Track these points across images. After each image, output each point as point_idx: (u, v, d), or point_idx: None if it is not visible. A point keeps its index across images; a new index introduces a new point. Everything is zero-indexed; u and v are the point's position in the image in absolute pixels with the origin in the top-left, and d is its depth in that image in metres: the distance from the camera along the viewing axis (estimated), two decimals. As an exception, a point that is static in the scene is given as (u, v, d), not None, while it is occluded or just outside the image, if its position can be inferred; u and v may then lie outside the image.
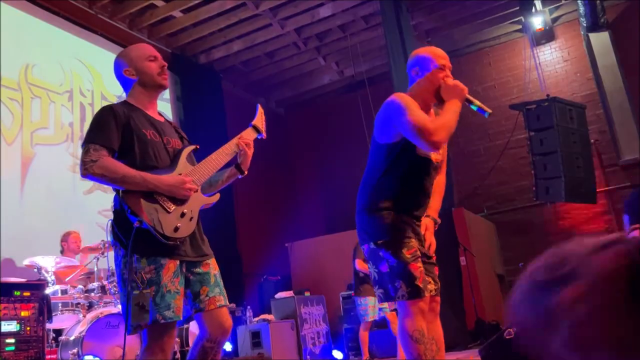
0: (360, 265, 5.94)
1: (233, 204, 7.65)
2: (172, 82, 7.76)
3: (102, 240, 4.70)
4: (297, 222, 8.94)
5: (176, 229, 1.99)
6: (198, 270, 2.11)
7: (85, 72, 6.60)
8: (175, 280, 2.00)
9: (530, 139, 6.17)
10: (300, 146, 10.26)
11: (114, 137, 2.01)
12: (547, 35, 8.42)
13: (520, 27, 8.55)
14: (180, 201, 2.04)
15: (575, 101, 6.82)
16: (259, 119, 2.50)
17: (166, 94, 7.71)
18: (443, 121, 2.35)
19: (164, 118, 2.30)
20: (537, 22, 8.26)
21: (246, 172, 2.34)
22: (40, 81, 5.97)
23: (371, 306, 5.89)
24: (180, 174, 2.08)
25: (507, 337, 2.45)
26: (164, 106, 7.68)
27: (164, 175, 2.03)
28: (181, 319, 2.01)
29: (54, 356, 4.04)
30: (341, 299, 6.59)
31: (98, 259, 4.59)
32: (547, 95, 6.34)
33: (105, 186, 6.73)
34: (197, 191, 2.12)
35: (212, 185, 2.31)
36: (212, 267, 2.16)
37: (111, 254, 4.73)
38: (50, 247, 4.98)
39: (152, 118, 2.19)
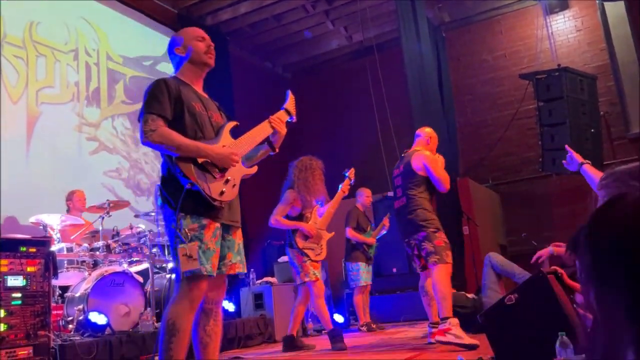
0: (351, 233, 5.99)
1: (238, 169, 7.64)
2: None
3: (108, 200, 4.74)
4: (301, 188, 8.94)
5: (222, 193, 2.25)
6: (229, 237, 2.37)
7: (91, 31, 6.53)
8: (213, 239, 2.24)
9: (539, 109, 6.10)
10: (306, 112, 10.13)
11: (167, 108, 2.25)
12: (560, 4, 8.22)
13: (534, -6, 8.35)
14: (224, 169, 2.30)
15: (586, 72, 6.71)
16: (290, 103, 2.72)
17: (172, 55, 7.64)
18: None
19: (207, 95, 2.52)
20: (552, -11, 8.07)
21: (277, 150, 2.59)
22: (45, 39, 5.91)
23: (362, 271, 5.96)
24: (224, 146, 2.32)
25: (508, 303, 2.47)
26: (169, 68, 7.61)
27: (215, 145, 2.29)
28: (215, 275, 2.23)
29: (60, 312, 4.12)
30: (343, 264, 6.65)
31: (103, 218, 4.63)
32: (558, 65, 6.23)
33: (111, 147, 6.68)
34: (238, 162, 2.36)
35: (248, 160, 2.53)
36: (238, 237, 2.43)
37: (115, 213, 4.80)
38: (56, 205, 5.02)
39: (198, 93, 2.43)
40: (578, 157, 2.76)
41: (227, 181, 2.29)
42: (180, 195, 2.16)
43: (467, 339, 3.47)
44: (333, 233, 4.75)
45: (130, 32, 7.09)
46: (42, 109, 5.72)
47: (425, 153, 4.05)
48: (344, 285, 6.86)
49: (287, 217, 4.44)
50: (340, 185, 4.72)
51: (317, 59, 9.83)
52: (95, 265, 4.53)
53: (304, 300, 4.49)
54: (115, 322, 4.05)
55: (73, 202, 5.14)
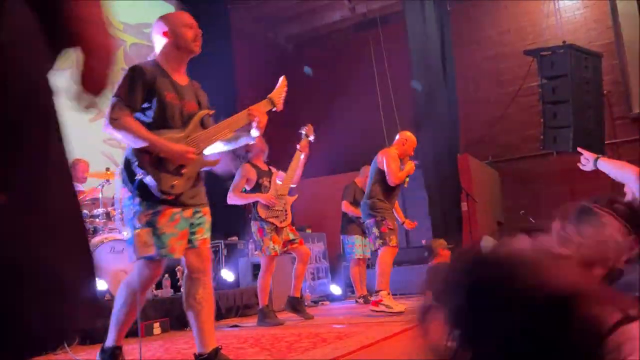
0: (347, 207, 6.01)
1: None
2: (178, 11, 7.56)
3: (107, 168, 4.74)
4: (301, 161, 8.94)
5: (172, 186, 2.33)
6: (199, 215, 2.48)
7: (91, -4, 6.41)
8: (171, 223, 2.35)
9: (542, 86, 6.05)
10: (306, 84, 10.09)
11: (138, 99, 2.33)
12: (568, -21, 8.09)
13: (541, -32, 8.20)
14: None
15: (591, 50, 6.63)
16: (277, 92, 2.74)
17: (173, 23, 7.53)
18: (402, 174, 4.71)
19: (188, 80, 2.55)
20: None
21: (257, 140, 2.68)
22: (44, 4, 5.82)
23: (358, 244, 6.01)
24: (188, 137, 2.40)
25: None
26: (170, 36, 7.51)
27: (172, 142, 2.35)
28: (174, 256, 2.40)
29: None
30: (341, 237, 6.69)
31: (103, 185, 4.64)
32: (564, 42, 6.16)
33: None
34: (199, 155, 2.42)
35: (226, 145, 2.62)
36: (208, 215, 2.54)
37: (116, 180, 4.80)
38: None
39: (175, 82, 2.48)
40: (591, 155, 2.72)
41: (181, 174, 2.37)
42: (135, 182, 2.30)
43: (396, 307, 4.34)
44: (296, 196, 4.65)
45: (131, -2, 6.98)
46: (41, 74, 5.66)
47: (389, 151, 4.73)
48: (341, 258, 6.92)
49: (245, 191, 4.39)
50: (298, 146, 4.47)
51: (319, 30, 9.70)
52: (95, 232, 4.55)
53: (299, 263, 4.50)
54: (114, 288, 4.08)
55: (76, 171, 5.13)
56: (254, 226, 4.40)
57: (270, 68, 8.62)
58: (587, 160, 2.72)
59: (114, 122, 2.27)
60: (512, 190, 8.26)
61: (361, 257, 6.03)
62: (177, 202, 2.37)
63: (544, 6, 8.12)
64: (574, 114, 5.72)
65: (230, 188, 4.33)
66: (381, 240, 4.58)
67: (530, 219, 7.44)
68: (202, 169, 2.49)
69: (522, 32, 8.41)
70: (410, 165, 4.77)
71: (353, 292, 6.31)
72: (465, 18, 8.81)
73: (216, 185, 4.14)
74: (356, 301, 5.99)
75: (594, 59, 6.14)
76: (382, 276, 4.54)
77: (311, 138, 4.50)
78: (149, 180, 2.27)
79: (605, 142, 6.44)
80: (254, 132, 2.56)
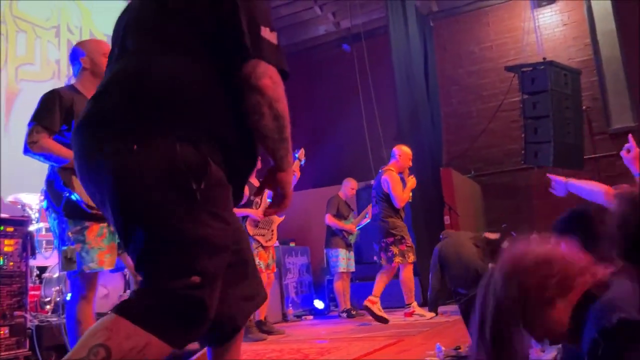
0: (330, 219, 6.00)
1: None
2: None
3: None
4: (285, 174, 8.90)
5: None
6: None
7: (74, 7, 6.38)
8: (98, 238, 2.44)
9: (524, 102, 6.14)
10: (290, 98, 10.07)
11: (55, 121, 2.41)
12: (548, -3, 8.26)
13: (522, -14, 8.36)
14: None
15: (571, 66, 6.76)
16: None
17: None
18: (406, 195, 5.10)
19: None
20: (540, -18, 8.08)
21: None
22: (25, 15, 5.77)
23: (342, 258, 5.98)
24: None
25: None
26: (154, 48, 7.49)
27: None
28: (104, 269, 2.47)
29: (37, 292, 4.06)
30: (325, 251, 6.67)
31: (83, 199, 4.56)
32: (544, 59, 6.27)
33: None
34: None
35: None
36: None
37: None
38: (34, 185, 4.92)
39: None
40: (561, 178, 2.76)
41: None
42: (61, 202, 2.38)
43: (427, 315, 4.81)
44: (283, 217, 4.76)
45: (114, 9, 6.92)
46: (21, 86, 5.59)
47: (391, 174, 5.05)
48: (325, 272, 6.89)
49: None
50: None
51: (303, 44, 9.73)
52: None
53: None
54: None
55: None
56: None
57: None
58: (557, 184, 2.73)
59: (33, 145, 2.35)
60: (494, 203, 8.32)
61: (345, 271, 6.01)
62: (103, 216, 2.42)
63: (525, 23, 8.27)
64: (554, 129, 5.82)
65: None
66: (401, 258, 4.91)
67: (512, 232, 7.49)
68: None
69: (503, 48, 8.54)
70: (411, 182, 5.11)
71: (336, 306, 6.28)
72: (448, 33, 8.93)
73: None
74: (339, 315, 5.96)
75: (573, 75, 6.26)
76: (409, 292, 5.05)
77: (303, 162, 4.76)
78: (75, 197, 2.33)
79: (585, 157, 6.55)
80: None
